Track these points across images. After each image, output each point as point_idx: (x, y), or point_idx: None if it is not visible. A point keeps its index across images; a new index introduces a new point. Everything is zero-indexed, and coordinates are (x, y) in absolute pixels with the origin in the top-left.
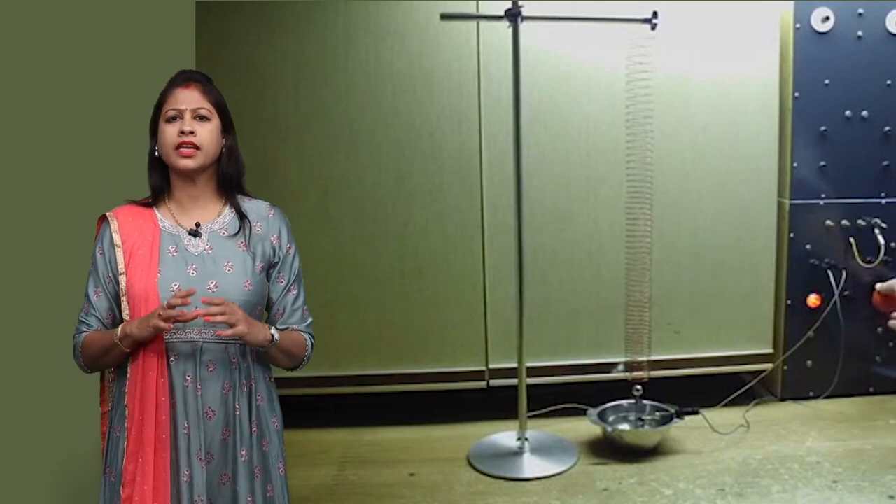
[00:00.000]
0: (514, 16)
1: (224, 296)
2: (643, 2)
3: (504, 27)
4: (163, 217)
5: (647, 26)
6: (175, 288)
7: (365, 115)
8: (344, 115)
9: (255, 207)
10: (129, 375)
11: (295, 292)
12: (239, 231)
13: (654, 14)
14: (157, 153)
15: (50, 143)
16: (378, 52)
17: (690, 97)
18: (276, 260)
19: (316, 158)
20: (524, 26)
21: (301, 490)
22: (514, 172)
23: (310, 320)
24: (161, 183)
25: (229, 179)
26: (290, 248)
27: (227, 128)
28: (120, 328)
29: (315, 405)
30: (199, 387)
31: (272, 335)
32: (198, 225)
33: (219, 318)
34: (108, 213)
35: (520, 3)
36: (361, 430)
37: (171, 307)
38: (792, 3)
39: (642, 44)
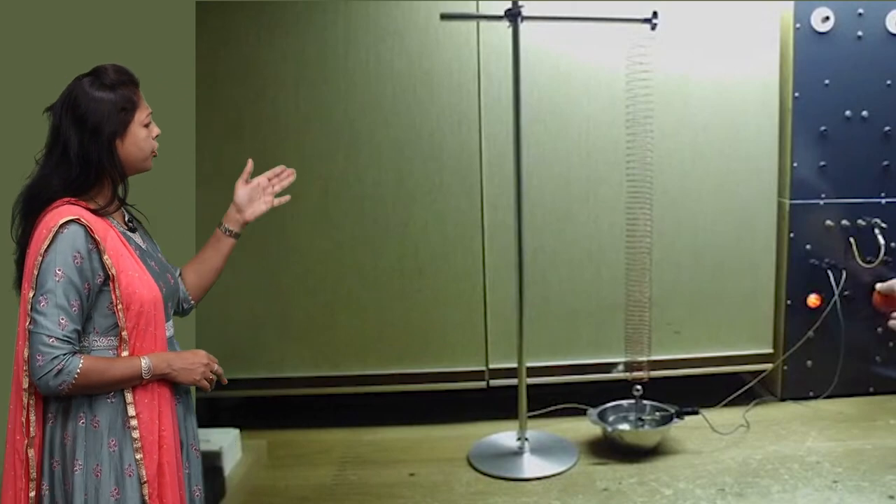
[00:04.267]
0: (514, 16)
1: (177, 286)
2: (643, 2)
3: (504, 27)
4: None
5: (647, 26)
6: (162, 286)
7: (365, 115)
8: (344, 115)
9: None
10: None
11: None
12: (139, 226)
13: (654, 14)
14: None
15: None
16: (378, 52)
17: (690, 97)
18: None
19: (316, 158)
20: (524, 26)
21: (301, 490)
22: (514, 172)
23: None
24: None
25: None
26: None
27: None
28: (151, 363)
29: (315, 405)
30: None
31: None
32: (130, 220)
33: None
34: (78, 218)
35: (520, 3)
36: (361, 430)
37: (214, 371)
38: (792, 3)
39: (642, 44)
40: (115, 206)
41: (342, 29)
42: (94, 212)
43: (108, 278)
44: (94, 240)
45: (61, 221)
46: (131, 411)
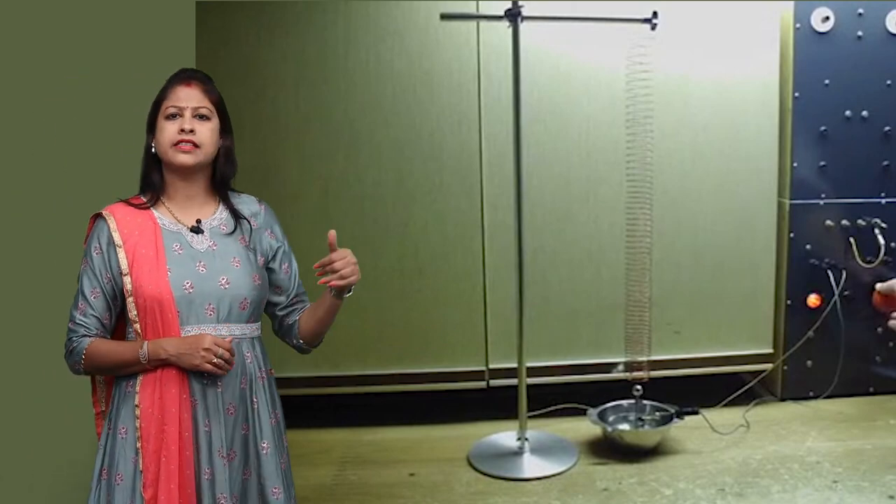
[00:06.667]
0: (514, 16)
1: (236, 291)
2: (643, 2)
3: (504, 27)
4: (161, 215)
5: (647, 26)
6: (188, 286)
7: (365, 115)
8: (344, 115)
9: (245, 203)
10: (140, 375)
11: (299, 279)
12: (236, 227)
13: (654, 14)
14: (153, 150)
15: (50, 143)
16: (378, 52)
17: (690, 97)
18: (275, 253)
19: (316, 158)
20: (524, 26)
21: (301, 490)
22: (514, 172)
23: None
24: (159, 180)
25: (224, 180)
26: (284, 239)
27: (225, 129)
28: (147, 348)
29: (315, 405)
30: (219, 383)
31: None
32: (199, 221)
33: (351, 279)
34: (102, 212)
35: (520, 3)
36: (361, 430)
37: (219, 356)
38: (792, 3)
39: (642, 44)
40: (154, 195)
41: (342, 29)
42: (138, 206)
43: (125, 272)
44: (111, 234)
45: (93, 216)
46: (136, 400)
